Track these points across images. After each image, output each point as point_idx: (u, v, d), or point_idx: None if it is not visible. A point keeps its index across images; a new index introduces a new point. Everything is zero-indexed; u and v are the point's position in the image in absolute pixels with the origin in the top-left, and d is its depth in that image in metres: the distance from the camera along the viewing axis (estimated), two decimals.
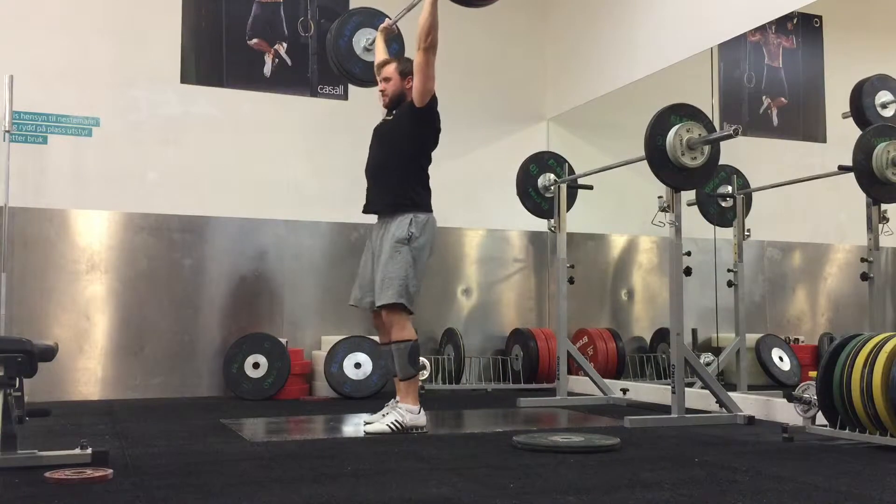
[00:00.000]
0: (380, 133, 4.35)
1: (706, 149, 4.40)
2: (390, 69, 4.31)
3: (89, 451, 3.05)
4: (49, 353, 3.00)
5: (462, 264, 6.77)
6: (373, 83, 4.60)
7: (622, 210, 6.92)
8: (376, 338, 4.71)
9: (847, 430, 3.55)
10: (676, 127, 4.36)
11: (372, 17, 4.89)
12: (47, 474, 2.76)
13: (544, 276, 6.93)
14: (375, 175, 4.28)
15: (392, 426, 3.96)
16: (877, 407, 3.36)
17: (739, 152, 5.71)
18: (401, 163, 4.18)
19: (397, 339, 4.04)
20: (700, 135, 4.36)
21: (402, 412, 4.01)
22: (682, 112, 4.43)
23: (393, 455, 3.36)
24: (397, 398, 4.12)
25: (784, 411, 4.25)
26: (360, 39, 4.87)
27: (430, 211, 4.20)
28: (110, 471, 2.82)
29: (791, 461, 3.24)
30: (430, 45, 4.03)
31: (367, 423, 4.11)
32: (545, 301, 6.91)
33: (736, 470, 3.02)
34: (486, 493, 2.62)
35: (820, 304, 6.55)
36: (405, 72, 4.25)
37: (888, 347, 3.38)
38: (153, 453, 3.39)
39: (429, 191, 4.24)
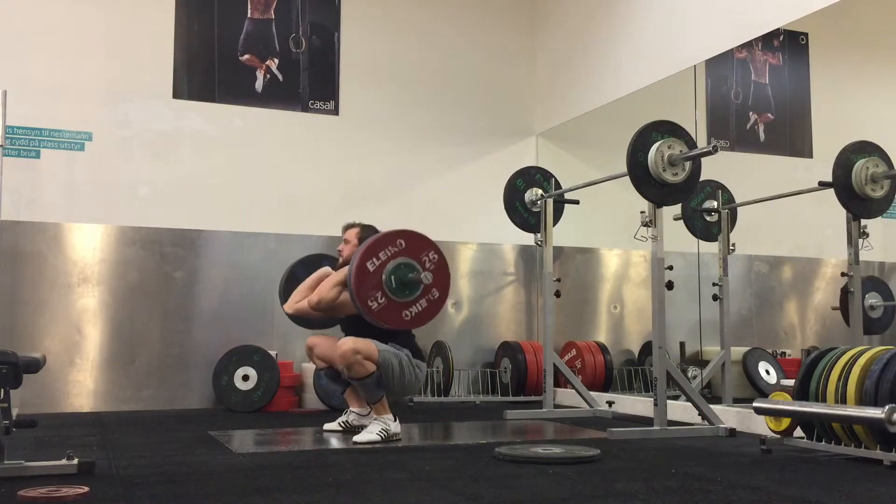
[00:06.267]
0: None
1: (687, 164, 4.47)
2: (352, 233, 4.59)
3: (76, 461, 3.10)
4: (34, 365, 3.04)
5: (452, 278, 6.78)
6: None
7: (612, 224, 6.96)
8: None
9: (823, 443, 3.61)
10: (658, 143, 4.42)
11: None
12: (21, 492, 2.68)
13: (533, 289, 6.98)
14: None
15: (381, 434, 4.16)
16: None
17: (728, 167, 5.79)
18: None
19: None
20: (681, 151, 4.43)
21: (387, 421, 4.24)
22: (664, 129, 4.50)
23: (375, 466, 3.41)
24: (352, 409, 4.57)
25: (765, 423, 4.29)
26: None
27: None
28: (86, 488, 2.76)
29: (766, 472, 3.29)
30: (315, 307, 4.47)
31: (329, 429, 4.57)
32: (534, 314, 6.96)
33: (711, 481, 3.07)
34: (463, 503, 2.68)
35: (808, 317, 6.59)
36: (364, 238, 4.46)
37: (862, 361, 3.44)
38: (139, 464, 3.44)
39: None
